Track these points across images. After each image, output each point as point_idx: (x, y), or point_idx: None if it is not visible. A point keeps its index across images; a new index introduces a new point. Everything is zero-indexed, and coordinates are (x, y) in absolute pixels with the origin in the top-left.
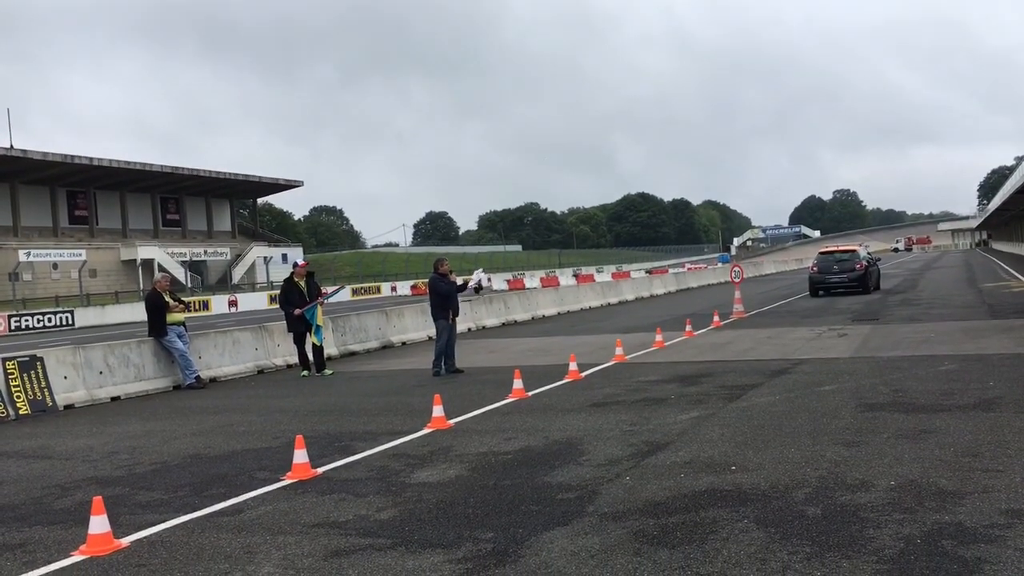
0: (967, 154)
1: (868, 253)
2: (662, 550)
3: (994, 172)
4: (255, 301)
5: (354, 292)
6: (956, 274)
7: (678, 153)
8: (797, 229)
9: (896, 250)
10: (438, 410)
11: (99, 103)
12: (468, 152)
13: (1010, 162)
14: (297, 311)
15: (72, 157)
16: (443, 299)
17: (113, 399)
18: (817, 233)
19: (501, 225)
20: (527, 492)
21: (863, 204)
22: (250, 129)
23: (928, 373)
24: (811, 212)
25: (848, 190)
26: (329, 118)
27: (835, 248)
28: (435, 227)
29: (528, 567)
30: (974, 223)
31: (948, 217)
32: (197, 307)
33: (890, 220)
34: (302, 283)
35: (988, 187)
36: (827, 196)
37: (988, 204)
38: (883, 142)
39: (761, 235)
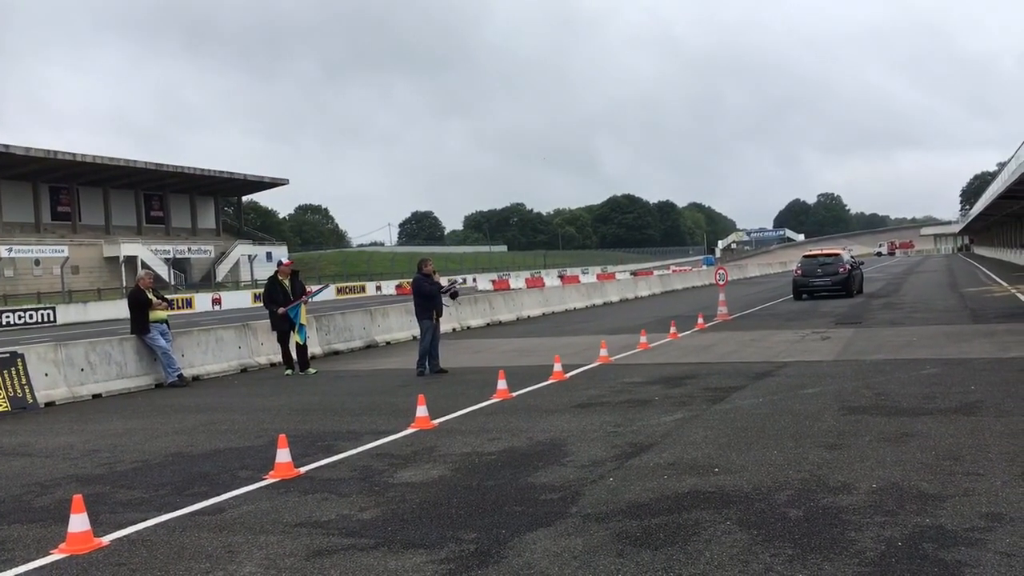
0: (950, 159)
1: (851, 257)
2: (645, 551)
3: (977, 177)
4: (239, 299)
5: (339, 291)
6: (938, 278)
7: (663, 155)
8: (781, 232)
9: (879, 254)
10: (422, 410)
11: (77, 98)
12: (453, 152)
13: (992, 167)
14: (281, 310)
15: (55, 152)
16: (427, 299)
17: (95, 397)
18: (801, 236)
19: (487, 225)
20: (510, 493)
21: (847, 208)
22: (232, 126)
23: (910, 377)
24: (795, 215)
25: (832, 194)
26: (312, 116)
27: (819, 252)
28: (420, 227)
29: (511, 568)
30: (956, 228)
31: (931, 222)
32: (180, 305)
33: (873, 224)
34: (286, 281)
35: (971, 192)
36: (811, 200)
37: (970, 209)
38: (867, 146)
39: (745, 238)
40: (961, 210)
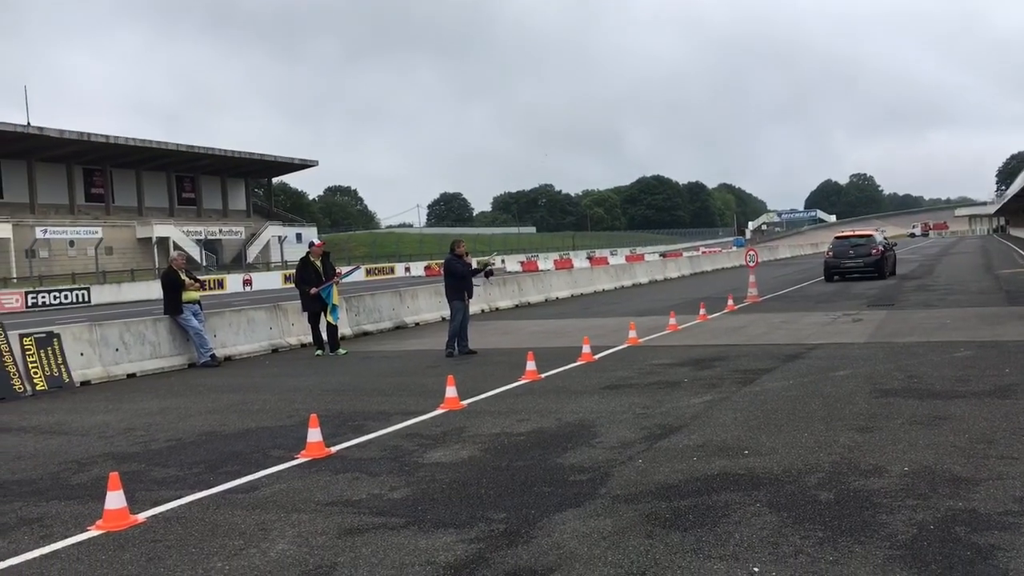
0: (984, 138)
1: (884, 238)
2: (674, 533)
3: (1013, 157)
4: (269, 280)
5: (368, 272)
6: (973, 260)
7: (690, 136)
8: (813, 213)
9: (913, 235)
10: (451, 391)
11: (98, 81)
12: (477, 133)
13: None
14: (313, 290)
15: (88, 135)
16: (459, 280)
17: (129, 376)
18: (833, 218)
19: (515, 207)
20: (539, 473)
21: (880, 189)
22: (254, 108)
23: (943, 359)
24: (827, 196)
25: (864, 174)
26: (334, 97)
27: (851, 233)
28: (449, 208)
29: (540, 548)
30: (992, 209)
31: (965, 203)
32: (212, 286)
33: (907, 205)
34: (318, 262)
35: (1006, 173)
36: (843, 180)
37: (1006, 190)
38: (899, 126)
39: (776, 219)
40: (997, 191)
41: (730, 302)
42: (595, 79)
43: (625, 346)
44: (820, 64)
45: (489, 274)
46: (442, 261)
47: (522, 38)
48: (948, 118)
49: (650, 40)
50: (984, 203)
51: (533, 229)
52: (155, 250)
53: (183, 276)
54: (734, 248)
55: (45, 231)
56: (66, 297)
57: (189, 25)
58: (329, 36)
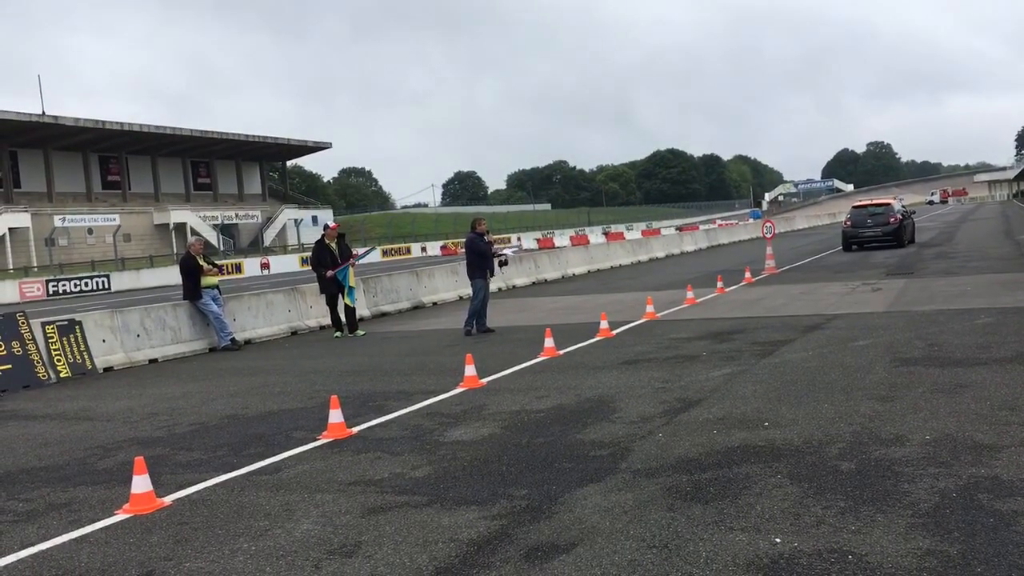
0: (1002, 101)
1: (903, 206)
2: (696, 506)
3: None
4: (287, 263)
5: (384, 253)
6: (993, 226)
7: (704, 107)
8: (830, 183)
9: (931, 203)
10: (470, 369)
11: (104, 64)
12: (489, 110)
13: None
14: (329, 272)
15: (103, 122)
16: (481, 258)
17: (151, 361)
18: (850, 187)
19: (530, 184)
20: (560, 449)
21: (897, 156)
22: (262, 88)
23: (964, 327)
24: (844, 165)
25: (882, 142)
26: (346, 77)
27: (869, 201)
28: (464, 187)
29: (562, 523)
30: (1012, 174)
31: (985, 168)
32: (230, 270)
33: (925, 172)
34: (333, 244)
35: None
36: (860, 149)
37: None
38: (916, 92)
39: (793, 190)
40: (1016, 155)
41: (747, 274)
42: (607, 52)
43: (643, 321)
44: (834, 30)
45: (504, 263)
46: (458, 240)
47: (532, 11)
48: (965, 82)
49: (661, 10)
50: (1003, 168)
51: (548, 206)
52: (172, 236)
53: (201, 261)
54: (751, 220)
55: (63, 219)
56: (86, 284)
57: (196, 5)
58: (336, 14)
